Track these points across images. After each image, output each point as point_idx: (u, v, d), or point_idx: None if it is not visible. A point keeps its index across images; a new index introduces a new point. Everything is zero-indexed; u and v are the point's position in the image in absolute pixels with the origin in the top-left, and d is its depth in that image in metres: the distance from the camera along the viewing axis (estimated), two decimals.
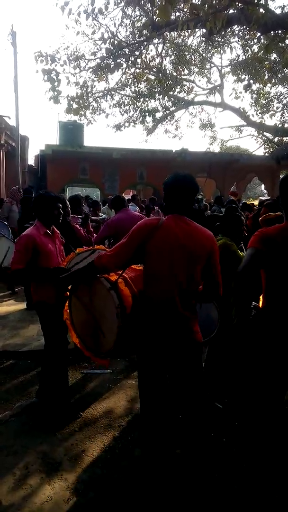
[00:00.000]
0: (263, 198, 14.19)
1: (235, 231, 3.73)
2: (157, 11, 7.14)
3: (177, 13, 9.26)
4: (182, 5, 9.00)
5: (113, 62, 9.80)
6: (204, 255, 2.21)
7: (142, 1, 9.36)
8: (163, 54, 13.77)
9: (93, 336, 2.51)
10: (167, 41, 13.58)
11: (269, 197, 14.54)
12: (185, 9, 8.98)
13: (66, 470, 2.76)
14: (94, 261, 2.28)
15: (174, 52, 16.05)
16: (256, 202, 14.16)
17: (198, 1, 7.28)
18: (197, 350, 2.30)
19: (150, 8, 9.73)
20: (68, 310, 2.67)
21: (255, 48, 14.35)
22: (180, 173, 2.35)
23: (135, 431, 3.22)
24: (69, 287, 2.64)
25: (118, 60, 9.95)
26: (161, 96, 17.25)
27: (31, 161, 19.46)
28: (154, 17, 9.28)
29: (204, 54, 17.29)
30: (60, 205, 3.43)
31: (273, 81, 16.70)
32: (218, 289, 2.34)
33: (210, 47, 16.18)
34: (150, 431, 2.36)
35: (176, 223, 2.22)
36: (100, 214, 7.96)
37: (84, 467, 2.79)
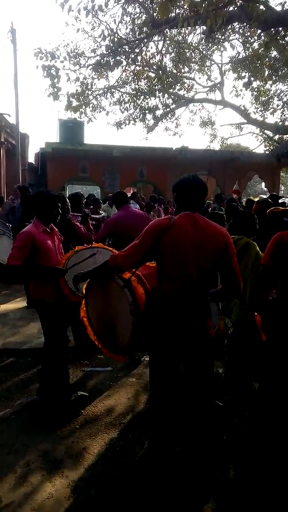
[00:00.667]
0: (264, 196, 14.16)
1: (250, 229, 3.72)
2: (157, 8, 7.12)
3: (177, 10, 9.22)
4: (182, 2, 8.97)
5: (113, 60, 9.79)
6: (216, 251, 2.22)
7: None
8: (163, 52, 13.77)
9: (109, 333, 2.55)
10: (167, 39, 13.55)
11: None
12: (185, 6, 8.95)
13: (67, 467, 2.76)
14: (108, 261, 2.33)
15: (174, 50, 16.00)
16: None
17: None
18: (210, 346, 2.31)
19: (150, 5, 9.71)
20: (85, 309, 2.71)
21: (256, 45, 14.33)
22: (187, 174, 2.42)
23: (136, 429, 3.22)
24: (85, 287, 2.68)
25: (118, 58, 9.94)
26: (161, 93, 17.21)
27: (31, 159, 19.44)
28: (154, 14, 9.26)
29: (204, 52, 17.24)
30: (60, 204, 3.42)
31: (274, 78, 16.67)
32: (238, 289, 2.34)
33: (210, 45, 16.13)
34: (158, 425, 2.39)
35: (188, 220, 2.24)
36: (100, 212, 7.95)
37: (85, 465, 2.79)
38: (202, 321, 2.27)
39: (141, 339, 2.40)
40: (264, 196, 13.25)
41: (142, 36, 10.47)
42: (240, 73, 16.47)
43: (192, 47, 16.52)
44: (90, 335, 2.70)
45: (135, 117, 18.03)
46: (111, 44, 9.45)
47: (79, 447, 2.99)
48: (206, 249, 2.19)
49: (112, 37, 9.68)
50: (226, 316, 3.55)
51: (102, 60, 10.17)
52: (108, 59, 9.89)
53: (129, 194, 10.64)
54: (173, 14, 9.05)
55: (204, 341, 2.28)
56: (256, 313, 2.76)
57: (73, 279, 2.66)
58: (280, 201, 9.05)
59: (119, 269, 2.33)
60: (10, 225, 6.80)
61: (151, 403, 2.47)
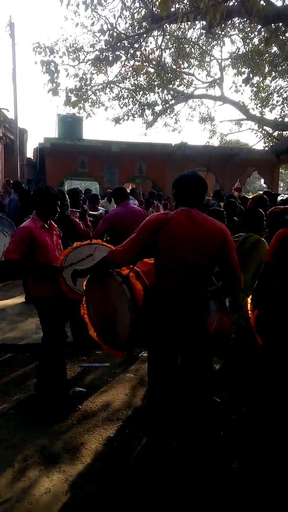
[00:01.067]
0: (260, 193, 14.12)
1: (259, 226, 3.75)
2: (157, 4, 7.08)
3: (177, 5, 9.16)
4: None
5: (112, 55, 9.73)
6: (214, 247, 2.22)
7: None
8: (162, 47, 13.69)
9: (109, 329, 2.56)
10: (166, 34, 13.48)
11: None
12: (185, 1, 8.90)
13: (65, 462, 2.77)
14: (106, 256, 2.34)
15: (174, 45, 15.94)
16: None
17: None
18: (209, 343, 2.31)
19: (150, 0, 9.65)
20: (85, 305, 2.72)
21: (256, 40, 14.27)
22: (187, 171, 2.44)
23: (133, 424, 3.23)
24: (84, 284, 2.68)
25: (117, 53, 9.87)
26: (160, 89, 17.15)
27: (29, 154, 19.38)
28: (154, 9, 9.20)
29: (204, 47, 17.18)
30: (59, 202, 3.42)
31: (273, 74, 16.63)
32: (238, 284, 2.34)
33: (210, 40, 16.07)
34: (155, 420, 2.39)
35: (185, 216, 2.24)
36: (99, 207, 7.93)
37: (82, 460, 2.80)
38: (201, 318, 2.27)
39: (140, 335, 2.41)
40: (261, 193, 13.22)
41: (141, 31, 10.40)
42: (240, 69, 16.42)
43: (191, 43, 16.45)
44: (91, 331, 2.71)
45: (134, 112, 17.99)
46: (110, 39, 9.38)
47: (76, 442, 3.00)
48: (203, 245, 2.19)
49: (111, 31, 9.61)
50: (235, 312, 3.55)
51: (101, 55, 10.11)
52: (107, 54, 9.83)
53: (128, 190, 10.62)
54: (173, 9, 9.00)
55: (203, 337, 2.28)
56: (250, 313, 2.74)
57: (72, 274, 2.67)
58: (279, 198, 9.05)
59: (117, 264, 2.34)
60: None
61: (148, 399, 2.48)
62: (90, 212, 5.96)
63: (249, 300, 2.74)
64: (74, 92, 11.13)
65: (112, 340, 2.56)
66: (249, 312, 2.72)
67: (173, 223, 2.21)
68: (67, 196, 4.79)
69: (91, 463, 2.78)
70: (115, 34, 9.63)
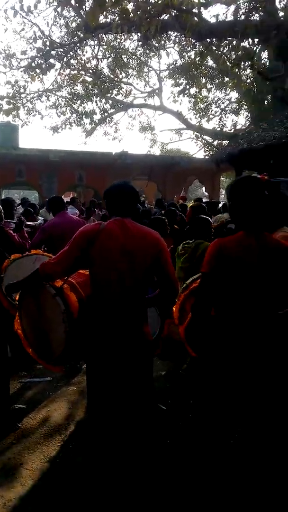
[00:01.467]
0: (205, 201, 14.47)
1: (207, 233, 3.87)
2: (86, 15, 7.09)
3: (112, 16, 9.24)
4: (117, 8, 9.00)
5: (45, 63, 9.57)
6: (148, 256, 2.21)
7: (74, 2, 9.13)
8: (99, 56, 13.75)
9: (44, 343, 2.48)
10: (103, 43, 13.55)
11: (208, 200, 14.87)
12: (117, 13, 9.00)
13: (3, 486, 2.63)
14: (38, 269, 2.27)
15: (111, 55, 16.07)
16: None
17: (132, 6, 7.34)
18: (147, 351, 2.30)
19: (82, 10, 9.64)
20: (19, 320, 2.61)
21: (192, 54, 14.75)
22: (118, 181, 2.44)
23: (77, 439, 3.15)
24: (17, 297, 2.59)
25: (51, 60, 9.74)
26: (98, 98, 17.19)
27: None
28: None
29: (141, 58, 17.48)
30: None
31: (210, 86, 17.26)
32: (174, 291, 2.36)
33: (147, 51, 16.38)
34: (97, 432, 2.34)
35: (118, 226, 2.22)
36: (38, 217, 7.74)
37: (22, 481, 2.68)
38: (138, 327, 2.26)
39: (76, 347, 2.36)
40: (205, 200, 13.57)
41: (75, 39, 10.36)
42: (178, 80, 16.87)
43: (129, 53, 16.68)
44: (25, 346, 2.62)
45: (72, 121, 17.88)
46: (43, 47, 9.22)
47: (15, 462, 2.87)
48: (137, 254, 2.18)
49: (44, 39, 9.46)
50: None
51: (33, 63, 9.93)
52: (40, 61, 9.66)
53: (68, 199, 10.47)
54: (108, 20, 9.07)
55: (141, 346, 2.26)
56: (179, 325, 2.75)
57: (5, 289, 2.57)
58: (220, 205, 9.38)
59: (49, 277, 2.27)
60: None
61: (89, 411, 2.43)
62: (27, 222, 5.78)
63: (174, 309, 2.76)
64: (6, 99, 10.80)
65: (48, 354, 2.48)
66: (175, 320, 2.74)
67: (106, 234, 2.18)
68: (1, 208, 4.61)
69: (32, 484, 2.67)
70: (47, 41, 9.49)
